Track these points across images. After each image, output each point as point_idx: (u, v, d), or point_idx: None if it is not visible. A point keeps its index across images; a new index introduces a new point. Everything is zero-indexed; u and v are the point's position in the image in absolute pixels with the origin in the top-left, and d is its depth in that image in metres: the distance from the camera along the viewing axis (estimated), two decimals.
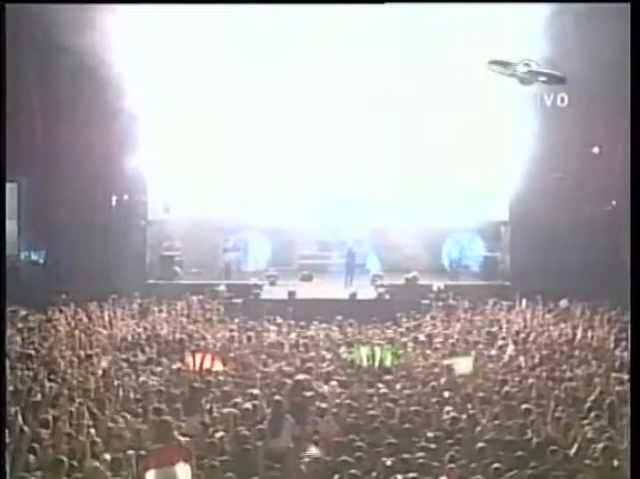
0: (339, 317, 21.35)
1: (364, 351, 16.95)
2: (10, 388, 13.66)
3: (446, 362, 16.33)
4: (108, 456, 11.21)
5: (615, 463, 10.73)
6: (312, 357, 17.34)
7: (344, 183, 26.84)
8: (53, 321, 20.47)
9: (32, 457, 10.93)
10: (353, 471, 10.63)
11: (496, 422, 12.69)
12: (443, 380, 15.40)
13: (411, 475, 10.57)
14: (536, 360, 16.87)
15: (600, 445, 11.28)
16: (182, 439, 11.67)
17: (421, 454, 11.18)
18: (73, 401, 13.45)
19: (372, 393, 14.44)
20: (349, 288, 25.33)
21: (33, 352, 17.22)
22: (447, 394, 14.35)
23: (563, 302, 22.71)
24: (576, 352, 17.38)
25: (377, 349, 17.13)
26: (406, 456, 11.14)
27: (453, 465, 10.85)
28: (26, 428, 11.68)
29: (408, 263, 27.75)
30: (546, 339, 18.88)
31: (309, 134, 26.90)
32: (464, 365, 16.01)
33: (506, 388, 14.50)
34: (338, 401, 13.90)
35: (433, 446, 11.57)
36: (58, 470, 10.72)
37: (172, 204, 26.94)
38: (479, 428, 12.45)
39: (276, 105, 26.74)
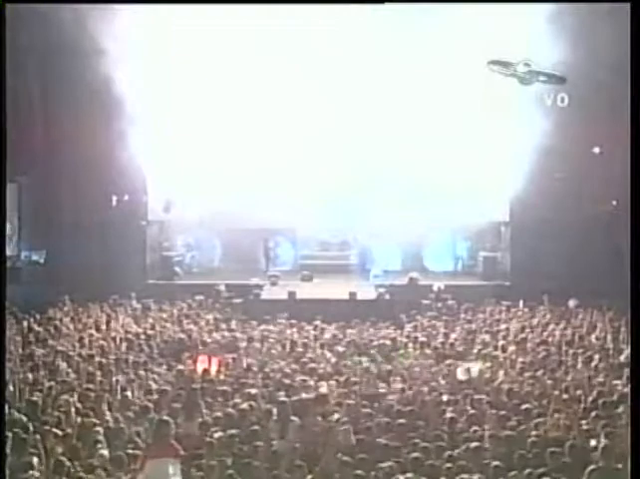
0: (339, 318, 21.39)
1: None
2: (10, 388, 13.69)
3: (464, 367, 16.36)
4: (108, 455, 11.24)
5: (615, 463, 10.73)
6: (313, 357, 17.38)
7: (345, 183, 26.80)
8: (53, 321, 20.46)
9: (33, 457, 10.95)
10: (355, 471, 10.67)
11: (496, 422, 12.71)
12: (442, 381, 15.43)
13: (409, 475, 10.60)
14: (536, 360, 16.86)
15: (600, 445, 11.30)
16: (182, 439, 11.70)
17: (419, 455, 11.19)
18: (73, 401, 13.46)
19: (372, 393, 14.47)
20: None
21: (33, 352, 17.24)
22: (446, 395, 14.37)
23: (572, 302, 22.72)
24: (576, 352, 17.37)
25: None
26: (405, 457, 11.17)
27: (451, 465, 10.86)
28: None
29: (408, 263, 27.80)
30: (546, 339, 18.88)
31: (310, 134, 26.87)
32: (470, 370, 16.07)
33: (506, 388, 14.51)
34: (339, 401, 13.92)
35: (432, 446, 11.58)
36: (58, 470, 10.75)
37: (173, 203, 26.91)
38: (478, 428, 12.45)
39: (277, 105, 26.70)
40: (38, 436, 11.74)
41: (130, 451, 11.21)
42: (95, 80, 24.52)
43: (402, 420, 12.66)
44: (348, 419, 12.81)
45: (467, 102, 26.03)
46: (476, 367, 16.27)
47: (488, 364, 16.70)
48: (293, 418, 12.81)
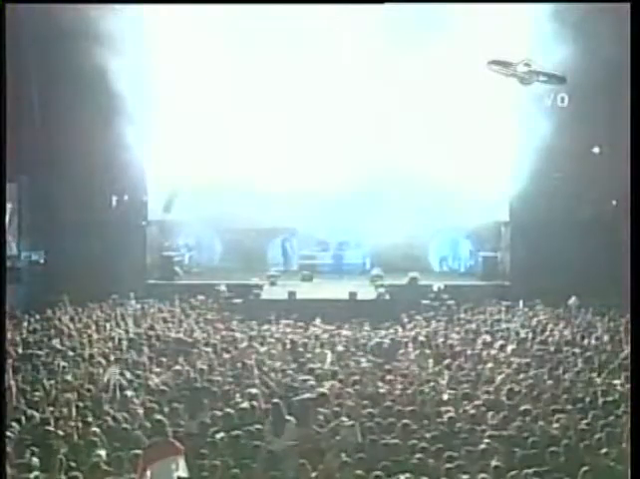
0: (339, 318, 21.39)
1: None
2: (10, 388, 13.70)
3: None
4: (107, 455, 11.24)
5: (614, 463, 10.73)
6: (313, 357, 17.38)
7: (345, 183, 26.77)
8: (53, 321, 20.47)
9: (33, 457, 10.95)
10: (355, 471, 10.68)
11: (496, 422, 12.71)
12: (442, 381, 15.43)
13: (409, 475, 10.61)
14: (536, 360, 16.86)
15: (600, 445, 11.31)
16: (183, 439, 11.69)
17: (420, 455, 11.19)
18: (73, 401, 13.46)
19: (372, 393, 14.47)
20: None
21: (33, 352, 17.23)
22: (446, 395, 14.38)
23: (573, 301, 22.71)
24: (576, 352, 17.37)
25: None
26: (405, 457, 11.18)
27: (451, 465, 10.86)
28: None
29: (408, 263, 27.79)
30: (546, 339, 18.88)
31: (309, 134, 26.87)
32: None
33: (506, 388, 14.51)
34: (339, 401, 13.92)
35: (432, 447, 11.58)
36: (59, 470, 10.75)
37: (173, 203, 26.88)
38: (478, 428, 12.45)
39: (277, 105, 26.70)
40: (38, 436, 11.76)
41: (130, 452, 11.21)
42: (95, 79, 24.52)
43: (402, 420, 12.66)
44: (348, 419, 12.82)
45: (467, 102, 26.04)
46: None
47: (488, 364, 16.68)
48: (292, 418, 12.82)
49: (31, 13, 23.89)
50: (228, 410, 13.08)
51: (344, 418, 12.67)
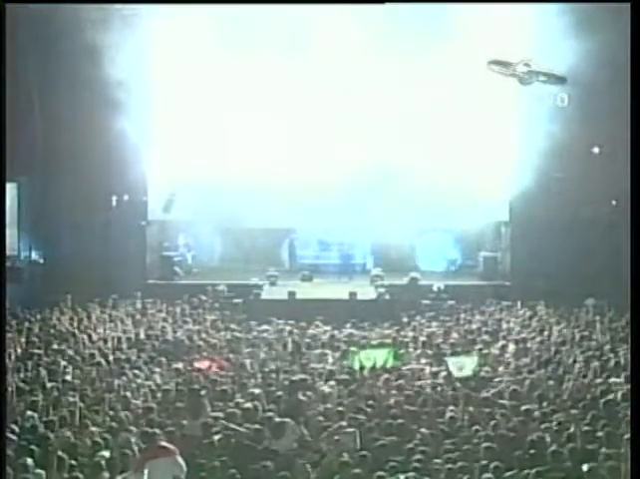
0: (339, 318, 21.39)
1: (364, 353, 16.96)
2: (11, 389, 13.71)
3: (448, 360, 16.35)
4: (108, 454, 11.25)
5: (614, 463, 10.74)
6: (312, 358, 17.38)
7: (345, 183, 26.75)
8: (53, 321, 20.47)
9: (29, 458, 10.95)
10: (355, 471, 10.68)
11: (497, 422, 12.71)
12: (442, 381, 15.43)
13: (411, 474, 10.61)
14: (536, 360, 16.87)
15: (600, 445, 11.32)
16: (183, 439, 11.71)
17: (420, 456, 11.19)
18: (74, 401, 13.46)
19: (371, 394, 14.47)
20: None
21: (33, 353, 17.24)
22: (446, 394, 14.38)
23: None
24: (576, 352, 17.38)
25: (377, 351, 17.17)
26: (405, 457, 11.18)
27: (452, 465, 10.86)
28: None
29: (408, 263, 27.79)
30: (546, 339, 18.89)
31: (310, 134, 26.86)
32: (460, 365, 16.01)
33: (506, 388, 14.51)
34: (339, 402, 13.93)
35: (432, 447, 11.59)
36: (59, 470, 10.75)
37: (173, 203, 26.87)
38: (478, 428, 12.45)
39: (277, 105, 26.69)
40: (39, 437, 11.76)
41: (129, 452, 11.21)
42: (95, 79, 24.52)
43: (402, 420, 12.66)
44: (348, 419, 12.81)
45: (466, 102, 26.03)
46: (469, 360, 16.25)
47: (487, 364, 16.68)
48: (292, 418, 12.81)
49: (32, 13, 23.87)
50: (228, 410, 13.08)
51: (343, 423, 12.65)
